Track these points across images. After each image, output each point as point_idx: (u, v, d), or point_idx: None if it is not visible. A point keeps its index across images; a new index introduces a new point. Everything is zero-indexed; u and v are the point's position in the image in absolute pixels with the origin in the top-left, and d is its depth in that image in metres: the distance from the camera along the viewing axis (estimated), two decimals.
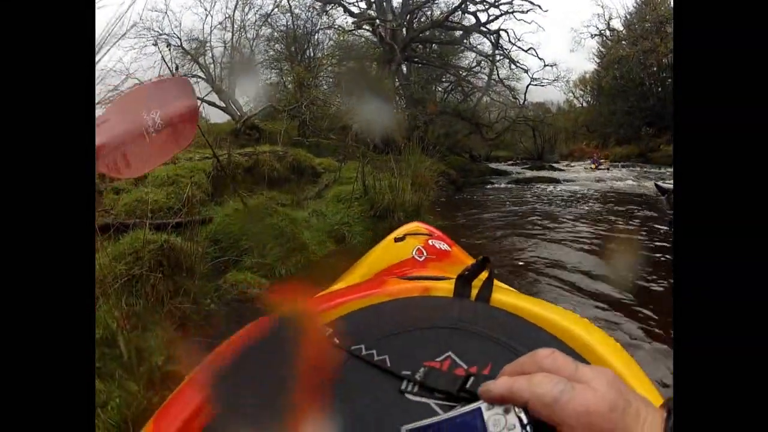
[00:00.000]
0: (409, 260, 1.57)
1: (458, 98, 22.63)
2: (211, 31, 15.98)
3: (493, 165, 23.04)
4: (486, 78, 21.62)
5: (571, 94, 40.50)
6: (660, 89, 32.62)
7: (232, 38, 15.20)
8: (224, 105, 14.22)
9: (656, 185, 10.38)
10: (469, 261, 1.56)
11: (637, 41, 29.94)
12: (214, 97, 14.66)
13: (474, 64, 22.03)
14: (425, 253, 1.61)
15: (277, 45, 16.80)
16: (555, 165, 25.21)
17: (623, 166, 23.69)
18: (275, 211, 4.53)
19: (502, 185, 14.68)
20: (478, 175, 17.85)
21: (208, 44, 15.78)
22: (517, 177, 17.43)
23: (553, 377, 0.43)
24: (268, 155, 6.50)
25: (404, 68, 19.90)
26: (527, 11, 19.61)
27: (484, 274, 0.90)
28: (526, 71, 21.49)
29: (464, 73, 21.69)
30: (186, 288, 3.02)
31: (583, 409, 0.39)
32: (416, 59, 20.34)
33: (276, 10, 16.65)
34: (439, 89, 23.18)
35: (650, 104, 32.32)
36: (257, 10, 16.49)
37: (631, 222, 7.27)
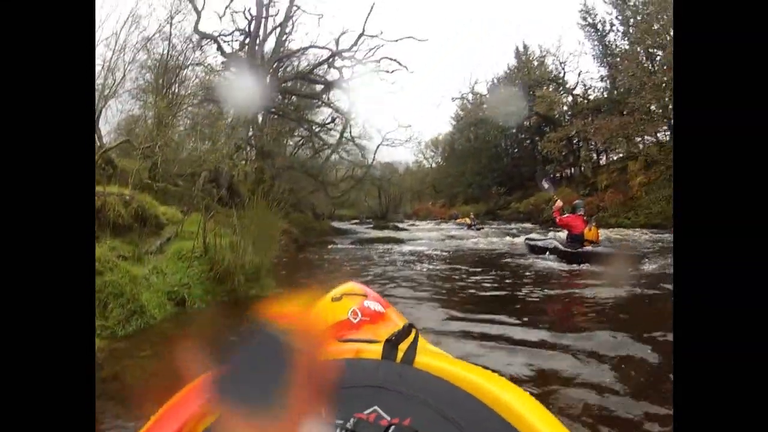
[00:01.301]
0: (345, 321, 1.70)
1: (308, 154, 22.88)
2: (95, 45, 14.50)
3: (336, 224, 23.43)
4: (338, 135, 21.87)
5: (421, 155, 42.87)
6: (516, 150, 35.49)
7: (111, 57, 14.17)
8: None
9: (527, 242, 10.59)
10: (402, 322, 1.61)
11: (499, 105, 31.66)
12: None
13: (329, 120, 22.29)
14: (360, 315, 1.74)
15: (148, 74, 16.08)
16: (399, 225, 25.90)
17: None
18: (116, 265, 4.33)
19: (345, 245, 14.54)
20: (321, 234, 17.86)
21: None
22: (360, 237, 17.57)
23: None
24: (115, 198, 6.15)
25: (260, 118, 19.81)
26: (392, 71, 20.30)
27: (410, 338, 1.01)
28: (379, 131, 22.56)
29: (317, 129, 21.92)
30: None
31: None
32: (273, 110, 20.35)
33: (157, 35, 16.03)
34: (290, 143, 23.32)
35: (503, 164, 34.97)
36: (141, 32, 15.73)
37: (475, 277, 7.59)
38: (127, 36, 14.74)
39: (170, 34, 16.25)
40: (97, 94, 13.43)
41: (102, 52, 14.18)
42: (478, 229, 20.85)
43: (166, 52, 16.20)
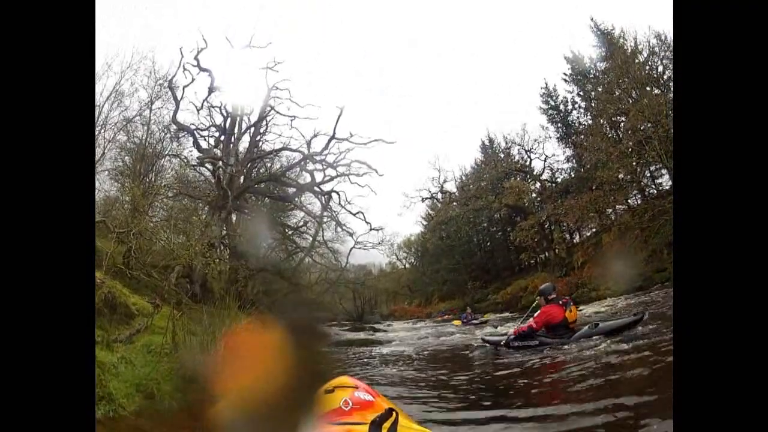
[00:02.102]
0: (338, 410, 1.98)
1: (281, 256, 22.43)
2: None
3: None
4: (311, 239, 21.55)
5: (394, 257, 42.57)
6: (489, 243, 35.47)
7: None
8: None
9: (482, 338, 9.42)
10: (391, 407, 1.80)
11: (469, 201, 31.74)
12: None
13: (301, 223, 22.16)
14: (351, 404, 2.01)
15: (127, 157, 15.77)
16: (376, 326, 25.34)
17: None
18: None
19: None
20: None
21: None
22: (337, 339, 16.99)
23: None
24: None
25: (233, 218, 19.50)
26: (363, 174, 20.33)
27: (392, 419, 1.22)
28: (351, 234, 21.97)
29: (290, 232, 21.76)
30: None
31: None
32: (246, 210, 20.17)
33: (137, 118, 15.90)
34: (264, 245, 23.00)
35: (477, 259, 34.77)
36: (122, 111, 15.56)
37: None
38: (109, 111, 14.60)
39: (149, 120, 16.29)
40: None
41: None
42: (483, 323, 19.35)
43: (144, 137, 16.12)
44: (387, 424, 1.27)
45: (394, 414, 1.32)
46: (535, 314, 8.15)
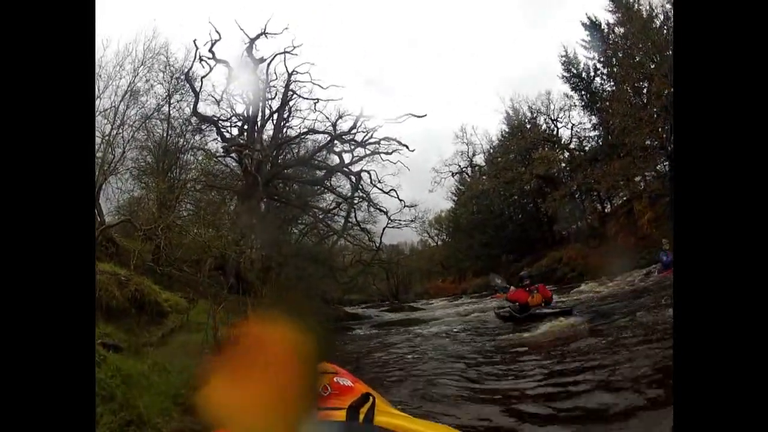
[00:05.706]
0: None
1: (313, 240, 22.20)
2: (95, 114, 13.68)
3: (349, 309, 22.62)
4: (343, 221, 21.19)
5: (426, 234, 41.98)
6: (521, 215, 34.81)
7: (110, 132, 13.51)
8: None
9: (495, 313, 10.94)
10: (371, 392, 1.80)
11: (499, 174, 31.08)
12: None
13: (333, 205, 21.74)
14: (329, 389, 1.98)
15: (149, 156, 15.46)
16: (414, 305, 25.10)
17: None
18: (104, 360, 3.30)
19: (363, 332, 13.37)
20: (335, 320, 17.09)
21: None
22: (379, 321, 16.68)
23: None
24: (107, 277, 5.17)
25: (263, 206, 19.22)
26: (392, 152, 19.84)
27: (369, 403, 1.24)
28: (386, 213, 21.28)
29: (321, 215, 21.42)
30: None
31: None
32: (276, 197, 19.92)
33: (156, 113, 15.56)
34: (295, 230, 22.71)
35: (509, 232, 34.09)
36: (140, 108, 15.23)
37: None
38: (125, 110, 14.20)
39: (169, 115, 15.86)
40: (96, 168, 12.66)
41: (100, 125, 13.45)
42: None
43: (165, 133, 15.76)
44: (364, 409, 1.24)
45: (371, 399, 1.29)
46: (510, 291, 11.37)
